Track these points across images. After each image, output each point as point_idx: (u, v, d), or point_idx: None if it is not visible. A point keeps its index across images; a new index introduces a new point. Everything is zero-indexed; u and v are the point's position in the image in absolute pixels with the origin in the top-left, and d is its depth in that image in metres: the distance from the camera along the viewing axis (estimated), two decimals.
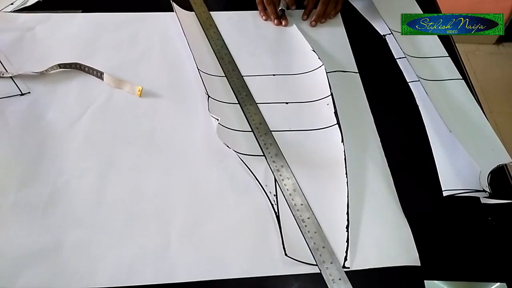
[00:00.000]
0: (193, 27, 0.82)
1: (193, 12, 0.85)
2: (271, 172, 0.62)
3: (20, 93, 0.69)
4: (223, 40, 0.80)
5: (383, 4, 0.85)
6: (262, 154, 0.64)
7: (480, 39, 1.90)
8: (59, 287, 0.51)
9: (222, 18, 0.84)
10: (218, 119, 0.64)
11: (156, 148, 0.64)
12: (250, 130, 0.67)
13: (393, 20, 0.80)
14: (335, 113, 0.67)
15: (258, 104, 0.70)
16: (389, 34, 0.81)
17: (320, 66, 0.74)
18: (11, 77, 0.71)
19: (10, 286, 0.51)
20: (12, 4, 0.85)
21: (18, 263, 0.52)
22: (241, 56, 0.77)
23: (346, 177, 0.60)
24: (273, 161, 0.63)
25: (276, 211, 0.58)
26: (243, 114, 0.69)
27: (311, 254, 0.54)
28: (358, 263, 0.54)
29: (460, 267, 0.55)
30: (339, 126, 0.66)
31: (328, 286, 0.52)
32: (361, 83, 0.74)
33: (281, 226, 0.56)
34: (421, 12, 0.87)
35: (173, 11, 0.84)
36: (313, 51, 0.76)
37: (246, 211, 0.58)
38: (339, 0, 0.86)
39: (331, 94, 0.70)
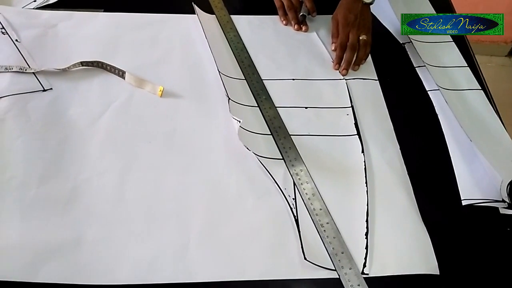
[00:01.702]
0: (213, 30, 0.82)
1: (214, 15, 0.86)
2: (290, 175, 0.62)
3: (42, 89, 0.70)
4: (243, 44, 0.80)
5: (402, 12, 0.85)
6: (281, 158, 0.64)
7: (492, 51, 1.89)
8: (78, 282, 0.51)
9: (243, 22, 0.85)
10: (240, 121, 0.64)
11: (176, 148, 0.65)
12: (270, 133, 0.67)
13: None
14: (356, 124, 0.68)
15: (277, 108, 0.70)
16: (409, 42, 0.81)
17: (341, 79, 0.75)
18: (33, 72, 0.72)
19: (30, 279, 0.51)
20: (35, 1, 0.86)
21: (39, 257, 0.53)
22: (260, 60, 0.78)
23: (366, 186, 0.61)
24: (292, 165, 0.63)
25: (295, 215, 0.58)
26: (262, 117, 0.69)
27: (329, 259, 0.54)
28: (376, 270, 0.54)
29: (479, 277, 0.55)
30: (360, 138, 0.66)
31: None
32: (381, 91, 0.74)
33: (300, 230, 0.56)
34: None
35: (194, 13, 0.84)
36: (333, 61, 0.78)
37: (265, 213, 0.58)
38: (367, 43, 0.79)
39: (352, 107, 0.70)
